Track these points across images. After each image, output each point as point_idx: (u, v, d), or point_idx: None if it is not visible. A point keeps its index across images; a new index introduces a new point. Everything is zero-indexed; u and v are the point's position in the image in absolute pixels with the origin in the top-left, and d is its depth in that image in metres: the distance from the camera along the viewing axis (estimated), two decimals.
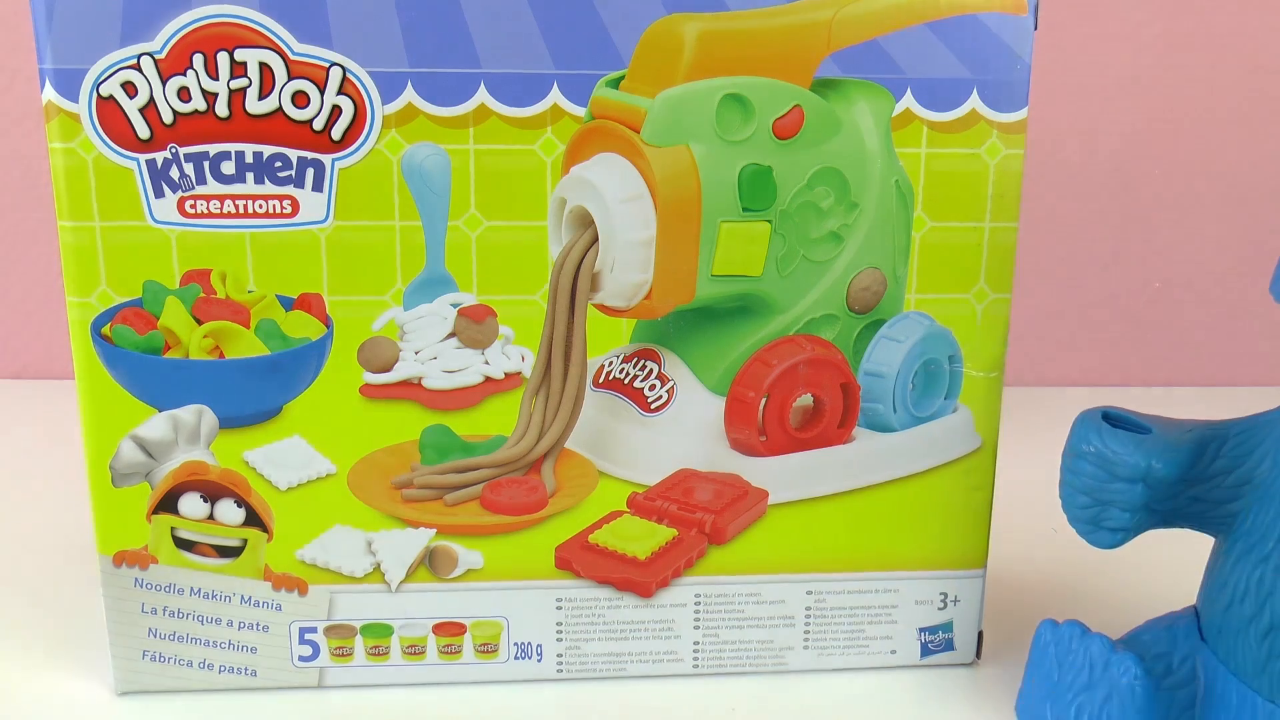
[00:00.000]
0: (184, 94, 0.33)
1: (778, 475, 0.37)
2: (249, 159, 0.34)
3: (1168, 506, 0.34)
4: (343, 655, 0.38)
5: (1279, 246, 0.66)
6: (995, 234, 0.36)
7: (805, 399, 0.37)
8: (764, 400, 0.37)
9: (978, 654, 0.41)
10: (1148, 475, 0.33)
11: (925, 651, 0.40)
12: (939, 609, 0.40)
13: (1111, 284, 0.68)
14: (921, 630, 0.40)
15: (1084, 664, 0.34)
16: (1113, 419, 0.35)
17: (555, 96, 0.34)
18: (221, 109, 0.33)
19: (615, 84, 0.34)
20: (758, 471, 0.37)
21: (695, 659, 0.39)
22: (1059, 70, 0.64)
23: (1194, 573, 0.36)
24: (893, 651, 0.40)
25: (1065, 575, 0.48)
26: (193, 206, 0.34)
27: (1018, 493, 0.49)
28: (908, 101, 0.35)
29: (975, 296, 0.37)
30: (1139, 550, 0.44)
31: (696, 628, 0.39)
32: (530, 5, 0.33)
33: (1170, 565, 0.44)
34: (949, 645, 0.40)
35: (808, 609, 0.39)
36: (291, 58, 0.33)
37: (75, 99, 0.33)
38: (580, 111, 0.34)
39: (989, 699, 0.39)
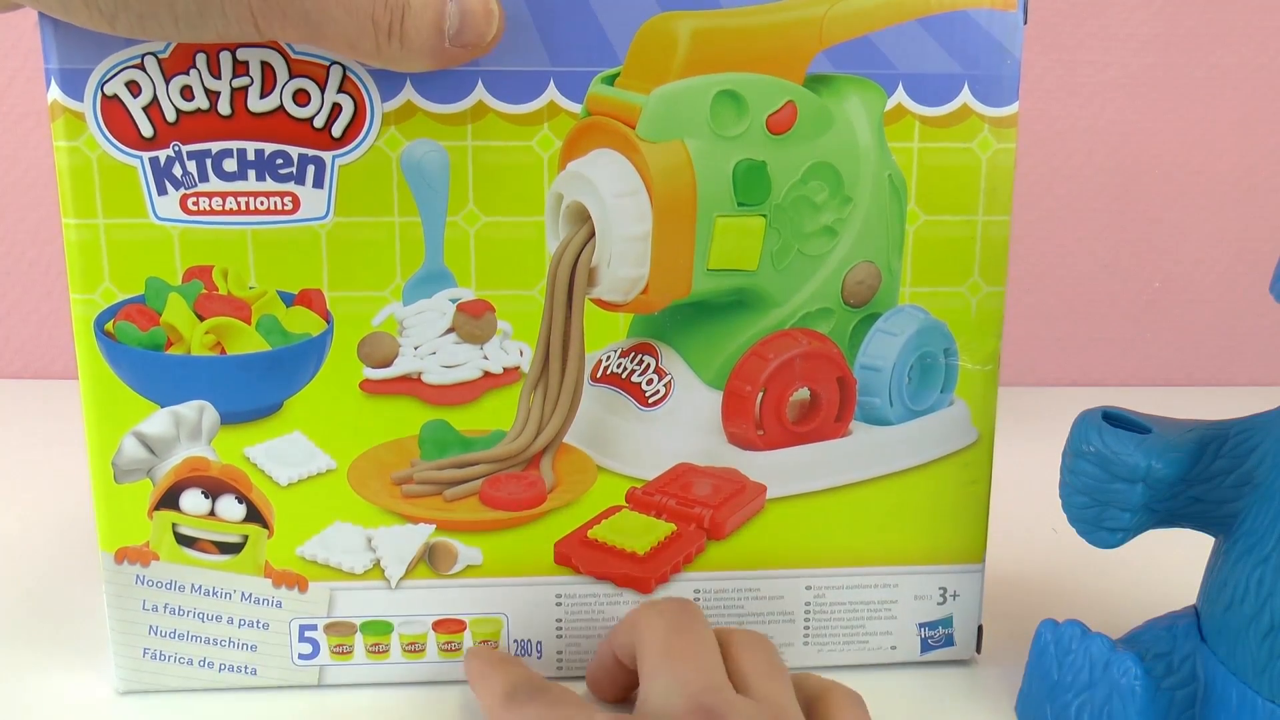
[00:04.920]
0: (187, 92, 0.34)
1: (775, 469, 0.38)
2: (250, 156, 0.34)
3: (1168, 506, 0.34)
4: (343, 653, 0.38)
5: (1279, 246, 0.66)
6: (988, 227, 0.37)
7: (802, 393, 0.37)
8: (761, 394, 0.37)
9: (978, 649, 0.41)
10: (1148, 475, 0.33)
11: (925, 647, 0.40)
12: (938, 604, 0.40)
13: (1111, 284, 0.68)
14: (921, 625, 0.40)
15: (1084, 663, 0.34)
16: (1113, 419, 0.35)
17: (552, 93, 0.34)
18: (224, 107, 0.34)
19: (611, 81, 0.34)
20: (755, 466, 0.38)
21: None
22: (1059, 69, 0.65)
23: (1194, 573, 0.36)
24: (893, 647, 0.40)
25: (1065, 574, 0.48)
26: (195, 203, 0.34)
27: (1018, 492, 0.49)
28: (899, 97, 0.35)
29: (969, 289, 0.37)
30: (1139, 550, 0.44)
31: None
32: (526, 4, 0.34)
33: (1170, 565, 0.44)
34: (949, 640, 0.40)
35: (807, 604, 0.39)
36: (293, 56, 0.33)
37: (80, 98, 0.33)
38: (576, 108, 0.35)
39: (990, 694, 0.39)
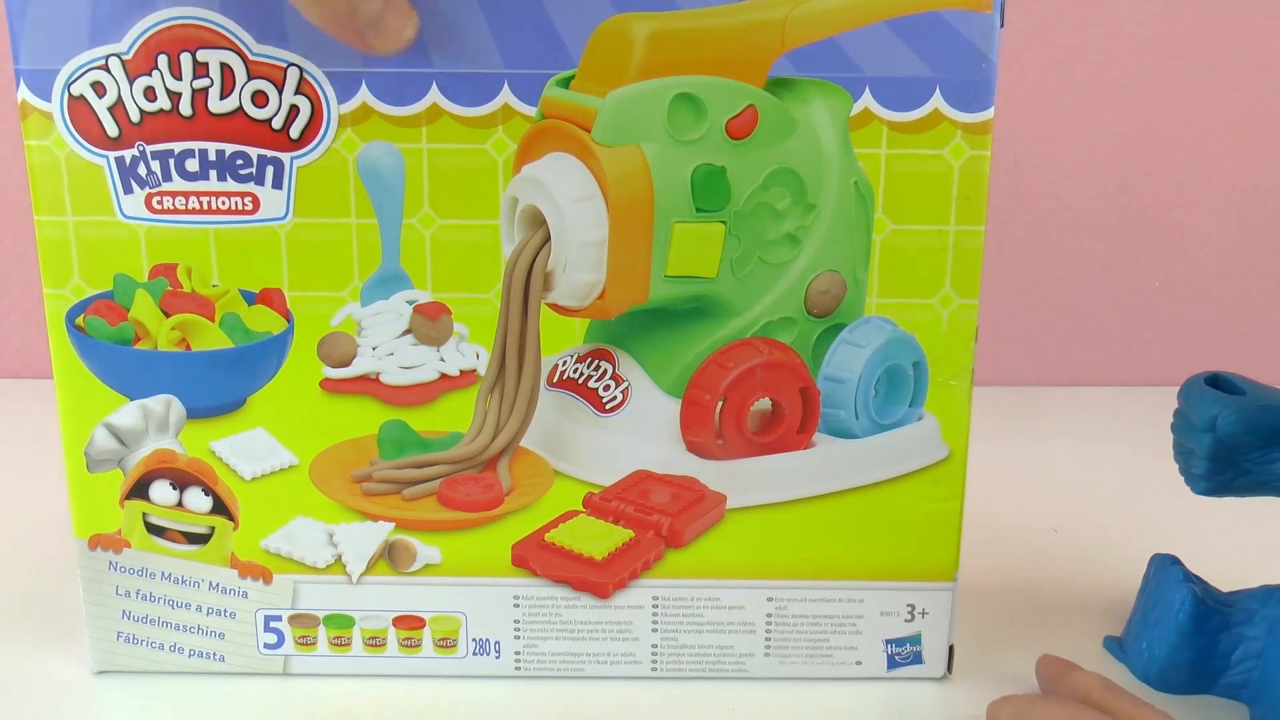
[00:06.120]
0: (150, 93, 0.34)
1: (736, 479, 0.37)
2: (212, 157, 0.35)
3: (1262, 469, 0.37)
4: (307, 644, 0.39)
5: (1279, 246, 0.65)
6: (960, 237, 0.35)
7: (764, 403, 0.37)
8: (720, 403, 0.36)
9: (949, 668, 0.39)
10: (1213, 426, 0.36)
11: (892, 664, 0.39)
12: (906, 621, 0.39)
13: (1111, 284, 0.67)
14: (888, 642, 0.39)
15: (1157, 589, 0.39)
16: (1216, 381, 0.38)
17: (506, 96, 0.34)
18: (185, 108, 0.34)
19: (565, 83, 0.34)
20: (715, 475, 0.37)
21: (654, 662, 0.39)
22: (1059, 69, 0.63)
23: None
24: (858, 662, 0.39)
25: (1064, 575, 0.46)
26: (159, 202, 0.35)
27: (1015, 493, 0.47)
28: (866, 101, 0.34)
29: (940, 302, 0.36)
30: (1140, 554, 0.43)
31: (655, 630, 0.39)
32: (480, 5, 0.33)
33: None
34: (917, 658, 0.39)
35: (768, 615, 0.38)
36: (251, 58, 0.34)
37: (48, 98, 0.34)
38: (531, 111, 0.34)
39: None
